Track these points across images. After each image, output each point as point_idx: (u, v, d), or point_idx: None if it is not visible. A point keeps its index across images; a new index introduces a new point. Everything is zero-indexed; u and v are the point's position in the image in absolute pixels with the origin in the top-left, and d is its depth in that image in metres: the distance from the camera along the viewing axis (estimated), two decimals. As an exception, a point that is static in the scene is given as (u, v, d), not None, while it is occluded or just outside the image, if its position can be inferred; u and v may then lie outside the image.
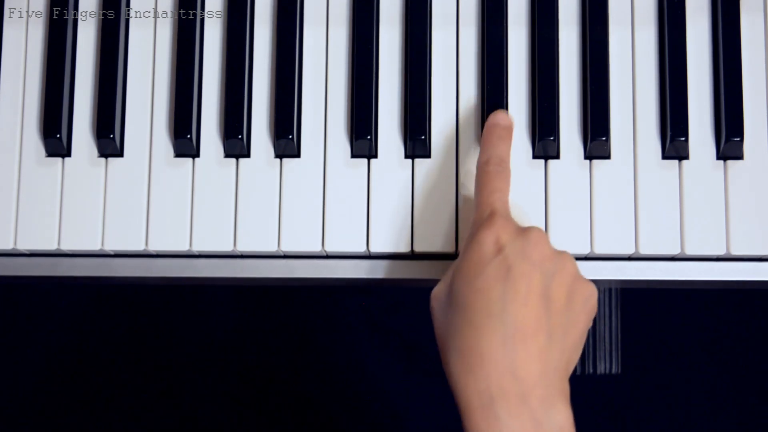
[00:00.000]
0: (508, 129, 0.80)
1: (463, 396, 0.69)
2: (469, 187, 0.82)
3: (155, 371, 1.38)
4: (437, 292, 0.74)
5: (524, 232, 0.73)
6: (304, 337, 1.38)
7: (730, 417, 1.37)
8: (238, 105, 0.83)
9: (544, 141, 0.82)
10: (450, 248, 0.82)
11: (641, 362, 1.36)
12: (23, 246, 0.83)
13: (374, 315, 1.37)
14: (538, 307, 0.70)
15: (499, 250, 0.72)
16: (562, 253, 0.73)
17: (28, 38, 0.85)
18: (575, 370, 1.31)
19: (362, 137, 0.82)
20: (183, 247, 0.82)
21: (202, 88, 0.84)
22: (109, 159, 0.84)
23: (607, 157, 0.82)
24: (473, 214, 0.76)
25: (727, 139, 0.81)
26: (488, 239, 0.72)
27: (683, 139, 0.81)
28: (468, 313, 0.70)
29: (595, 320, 1.32)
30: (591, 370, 1.32)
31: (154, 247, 0.82)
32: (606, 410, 1.36)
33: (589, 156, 0.82)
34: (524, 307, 0.70)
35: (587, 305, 0.73)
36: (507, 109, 0.83)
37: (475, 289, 0.71)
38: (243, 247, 0.82)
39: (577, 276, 0.73)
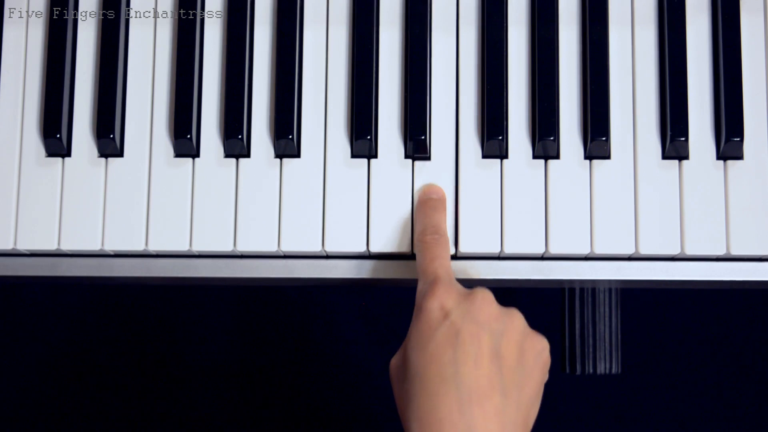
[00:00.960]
0: (441, 200, 0.81)
1: None
2: (469, 187, 0.82)
3: (155, 371, 1.38)
4: (394, 363, 0.75)
5: (469, 295, 0.74)
6: (304, 337, 1.38)
7: (731, 417, 1.37)
8: (238, 105, 0.83)
9: (544, 141, 0.82)
10: (450, 248, 0.81)
11: (641, 362, 1.36)
12: (23, 246, 0.83)
13: (374, 315, 1.37)
14: (489, 367, 0.71)
15: (446, 315, 0.72)
16: (510, 310, 0.74)
17: (28, 38, 0.85)
18: (575, 370, 1.31)
19: (362, 137, 0.82)
20: (183, 247, 0.82)
21: (202, 88, 0.84)
22: (109, 159, 0.84)
23: (607, 157, 0.82)
24: (417, 284, 0.77)
25: (727, 139, 0.81)
26: (434, 306, 0.73)
27: (683, 139, 0.81)
28: (422, 380, 0.71)
29: (595, 320, 1.32)
30: (591, 370, 1.32)
31: (154, 247, 0.82)
32: (606, 410, 1.36)
33: (589, 156, 0.82)
34: (476, 369, 0.70)
35: (540, 359, 0.74)
36: (507, 109, 0.83)
37: (427, 356, 0.71)
38: (243, 247, 0.82)
39: (527, 332, 0.74)
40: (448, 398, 0.69)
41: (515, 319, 0.74)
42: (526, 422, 0.72)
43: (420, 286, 0.76)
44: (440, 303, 0.73)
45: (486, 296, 0.74)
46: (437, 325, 0.72)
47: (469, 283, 0.84)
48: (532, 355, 0.73)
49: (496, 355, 0.71)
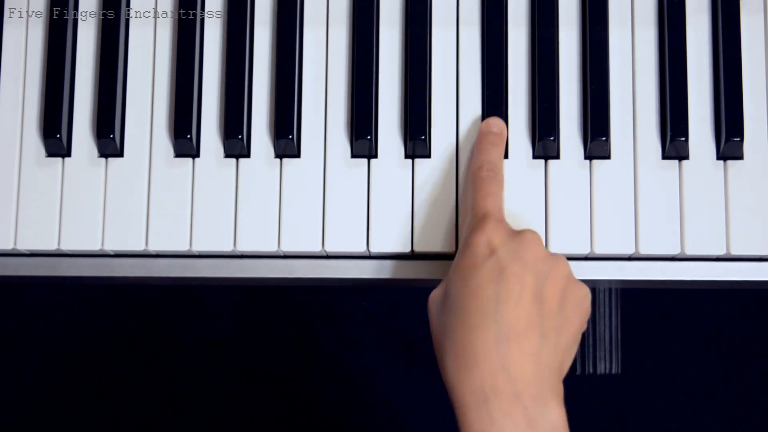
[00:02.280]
0: (501, 135, 0.81)
1: (457, 395, 0.70)
2: (469, 187, 0.82)
3: (155, 371, 1.38)
4: (434, 296, 0.75)
5: (517, 234, 0.74)
6: (304, 337, 1.38)
7: (730, 417, 1.37)
8: (238, 105, 0.83)
9: (544, 141, 0.82)
10: (450, 248, 0.82)
11: (641, 362, 1.36)
12: (23, 246, 0.83)
13: (374, 315, 1.37)
14: (530, 308, 0.71)
15: (492, 251, 0.72)
16: (555, 255, 0.74)
17: (28, 38, 0.85)
18: (575, 370, 1.31)
19: (362, 137, 0.82)
20: (183, 247, 0.82)
21: (202, 88, 0.84)
22: (109, 159, 0.84)
23: (607, 157, 0.82)
24: (468, 216, 0.77)
25: (727, 139, 0.81)
26: (481, 241, 0.73)
27: (683, 139, 0.81)
28: (462, 313, 0.71)
29: (595, 320, 1.32)
30: (591, 370, 1.32)
31: (154, 247, 0.82)
32: (606, 410, 1.36)
33: (589, 156, 0.82)
34: (517, 308, 0.71)
35: (581, 307, 0.74)
36: (507, 109, 0.83)
37: (469, 289, 0.72)
38: (243, 247, 0.82)
39: (570, 278, 0.74)
40: (486, 333, 0.70)
41: (561, 263, 0.74)
42: (561, 367, 0.72)
43: (469, 220, 0.76)
44: (488, 239, 0.73)
45: (534, 237, 0.73)
46: (482, 261, 0.72)
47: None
48: (573, 301, 0.73)
49: (538, 296, 0.71)
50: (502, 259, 0.72)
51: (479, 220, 0.75)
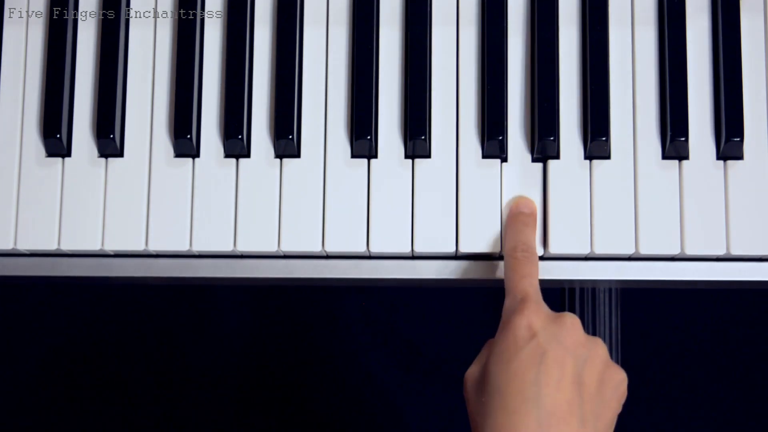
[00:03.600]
0: (532, 216, 0.81)
1: None
2: (469, 187, 0.82)
3: (155, 371, 1.38)
4: (470, 374, 0.75)
5: (557, 317, 0.74)
6: (304, 336, 1.38)
7: (731, 417, 1.37)
8: (238, 105, 0.83)
9: (544, 141, 0.82)
10: (450, 248, 0.82)
11: (641, 362, 1.36)
12: (23, 246, 0.83)
13: (374, 315, 1.37)
14: (571, 392, 0.71)
15: (533, 335, 0.73)
16: (594, 339, 0.75)
17: (28, 38, 0.85)
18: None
19: (362, 137, 0.82)
20: (183, 247, 0.82)
21: (202, 88, 0.84)
22: (109, 159, 0.84)
23: (607, 157, 0.82)
24: (504, 299, 0.77)
25: (727, 139, 0.81)
26: (522, 324, 0.73)
27: (683, 139, 0.81)
28: (502, 396, 0.72)
29: (595, 320, 1.32)
30: (591, 370, 1.32)
31: (154, 247, 0.82)
32: (606, 410, 1.36)
33: (589, 156, 0.82)
34: (557, 392, 0.71)
35: (618, 391, 0.75)
36: (507, 108, 0.83)
37: (510, 372, 0.72)
38: (243, 247, 0.82)
39: (608, 362, 0.75)
40: (528, 418, 0.70)
41: (599, 348, 0.75)
42: None
43: (507, 302, 0.76)
44: (528, 322, 0.73)
45: (574, 322, 0.74)
46: (523, 344, 0.73)
47: (469, 283, 0.84)
48: (611, 385, 0.74)
49: (578, 381, 0.72)
50: (543, 343, 0.72)
51: (518, 302, 0.75)
